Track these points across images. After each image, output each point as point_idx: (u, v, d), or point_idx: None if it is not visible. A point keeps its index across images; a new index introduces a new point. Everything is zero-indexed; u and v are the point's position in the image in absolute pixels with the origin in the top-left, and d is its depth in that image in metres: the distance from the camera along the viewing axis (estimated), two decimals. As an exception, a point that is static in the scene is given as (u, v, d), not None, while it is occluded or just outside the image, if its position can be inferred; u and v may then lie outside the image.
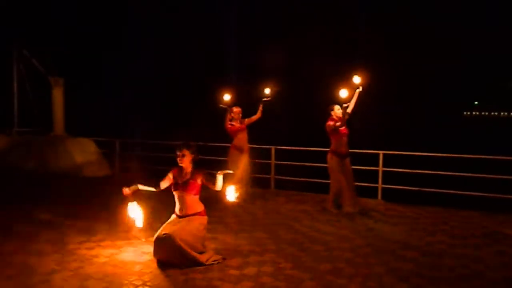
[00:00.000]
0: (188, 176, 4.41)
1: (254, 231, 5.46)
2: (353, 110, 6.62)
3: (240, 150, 7.41)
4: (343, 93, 6.16)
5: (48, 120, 10.87)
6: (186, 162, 4.40)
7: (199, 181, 4.41)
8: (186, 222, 4.30)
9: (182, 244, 4.11)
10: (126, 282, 3.85)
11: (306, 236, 5.27)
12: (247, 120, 7.53)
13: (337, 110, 6.55)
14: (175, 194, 4.43)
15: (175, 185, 4.43)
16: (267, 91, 7.51)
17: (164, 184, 4.53)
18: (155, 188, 4.56)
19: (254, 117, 7.54)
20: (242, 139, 7.45)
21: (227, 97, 7.49)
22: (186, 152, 4.38)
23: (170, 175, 4.49)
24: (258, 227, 5.65)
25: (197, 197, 4.44)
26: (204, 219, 4.46)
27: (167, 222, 4.40)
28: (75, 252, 4.56)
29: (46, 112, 11.01)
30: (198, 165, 4.52)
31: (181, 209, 4.40)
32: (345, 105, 6.25)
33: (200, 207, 4.46)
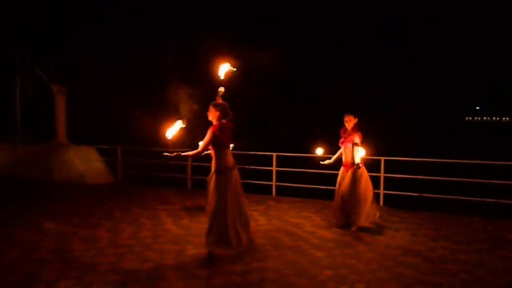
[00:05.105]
0: None
1: (257, 238, 5.45)
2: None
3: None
4: (319, 151, 6.23)
5: (51, 128, 10.92)
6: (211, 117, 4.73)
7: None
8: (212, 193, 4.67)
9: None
10: (129, 289, 3.86)
11: (308, 243, 5.28)
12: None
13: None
14: None
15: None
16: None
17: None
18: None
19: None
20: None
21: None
22: (212, 109, 4.73)
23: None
24: (260, 234, 5.66)
25: (215, 152, 4.70)
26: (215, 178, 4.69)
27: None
28: (78, 260, 4.57)
29: (49, 120, 11.07)
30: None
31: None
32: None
33: (216, 164, 4.70)
